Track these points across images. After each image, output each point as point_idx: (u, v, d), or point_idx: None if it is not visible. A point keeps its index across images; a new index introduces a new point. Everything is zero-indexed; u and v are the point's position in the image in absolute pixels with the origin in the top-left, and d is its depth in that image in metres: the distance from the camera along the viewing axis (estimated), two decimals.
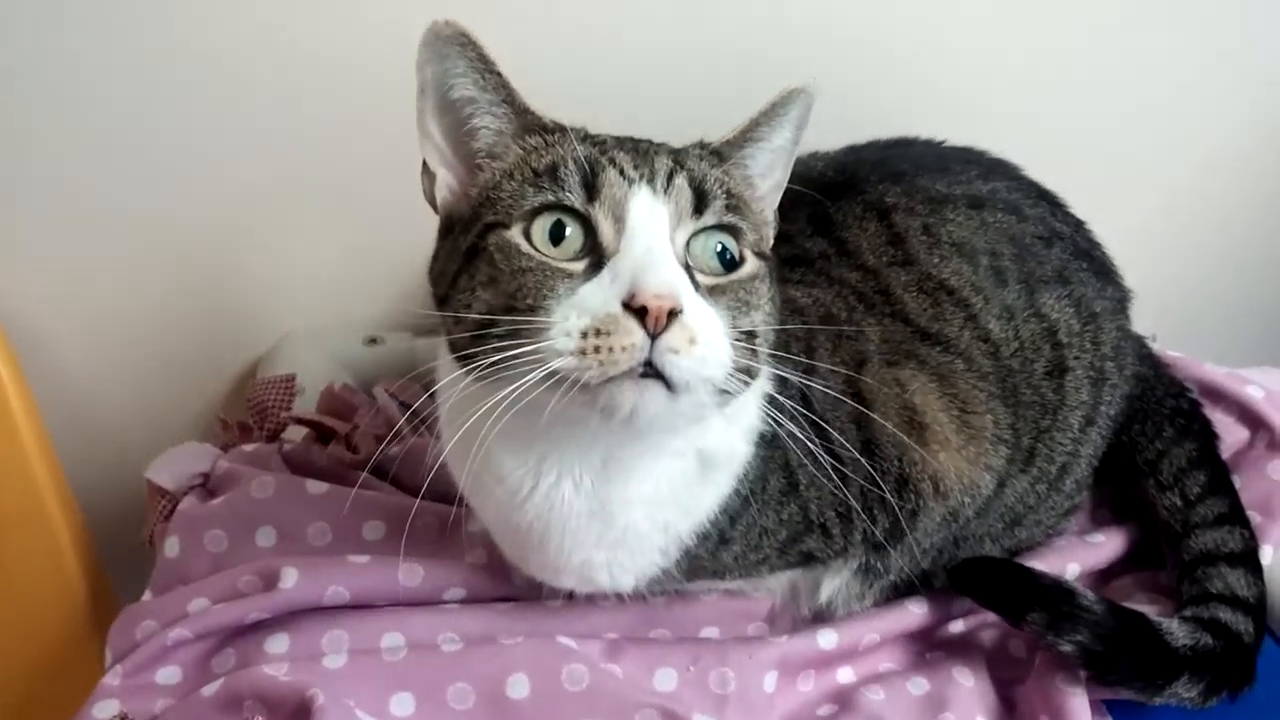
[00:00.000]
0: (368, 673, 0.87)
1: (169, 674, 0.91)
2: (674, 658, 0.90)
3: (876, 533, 0.89)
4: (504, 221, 0.73)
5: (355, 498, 1.01)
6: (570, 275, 0.70)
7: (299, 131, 1.24)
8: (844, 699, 0.91)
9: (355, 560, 0.95)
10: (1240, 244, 1.59)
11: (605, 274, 0.69)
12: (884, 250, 0.94)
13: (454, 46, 0.73)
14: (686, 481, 0.82)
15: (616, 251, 0.70)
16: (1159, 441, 1.06)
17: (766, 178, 0.84)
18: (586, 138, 0.78)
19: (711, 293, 0.72)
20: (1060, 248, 0.98)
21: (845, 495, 0.87)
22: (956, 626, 0.98)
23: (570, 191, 0.72)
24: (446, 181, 0.80)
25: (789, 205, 0.95)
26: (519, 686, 0.84)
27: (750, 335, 0.73)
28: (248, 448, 1.14)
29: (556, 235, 0.71)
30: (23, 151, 1.20)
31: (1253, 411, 1.12)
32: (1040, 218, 0.99)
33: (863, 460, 0.87)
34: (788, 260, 0.95)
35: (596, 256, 0.71)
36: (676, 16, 1.26)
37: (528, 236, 0.72)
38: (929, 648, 0.98)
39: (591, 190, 0.72)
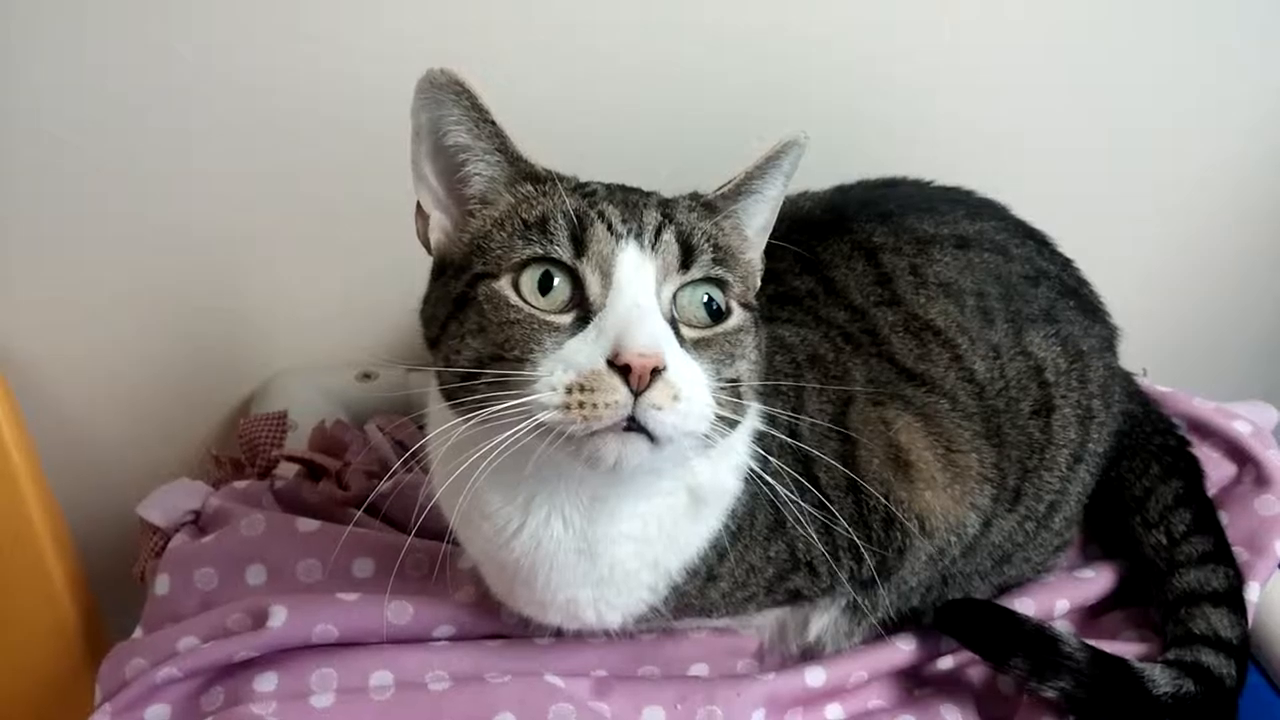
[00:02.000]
0: (355, 712, 0.87)
1: (158, 713, 0.90)
2: (662, 696, 0.90)
3: (863, 571, 0.90)
4: (493, 272, 0.74)
5: (345, 535, 1.01)
6: (557, 328, 0.71)
7: (293, 167, 1.25)
8: None
9: (344, 598, 0.95)
10: (1230, 277, 1.60)
11: (591, 329, 0.70)
12: (871, 290, 0.95)
13: (448, 94, 0.74)
14: (675, 518, 0.82)
15: (603, 307, 0.71)
16: (1145, 479, 1.06)
17: (753, 226, 0.85)
18: (577, 188, 0.79)
19: (696, 345, 0.73)
20: (1047, 286, 0.99)
21: (832, 533, 0.87)
22: (945, 663, 0.98)
23: (559, 245, 0.73)
24: (440, 224, 0.81)
25: (776, 245, 0.97)
26: None
27: (734, 383, 0.74)
28: (239, 485, 1.14)
29: (545, 286, 0.72)
30: (13, 188, 1.21)
31: (1240, 447, 1.12)
32: (1027, 257, 1.00)
33: (849, 498, 0.87)
34: (776, 298, 0.96)
35: (583, 310, 0.72)
36: (669, 73, 1.28)
37: (516, 288, 0.73)
38: (917, 685, 0.98)
39: (580, 245, 0.73)
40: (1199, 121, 1.44)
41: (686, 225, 0.76)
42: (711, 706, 0.89)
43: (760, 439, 0.83)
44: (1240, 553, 1.02)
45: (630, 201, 0.77)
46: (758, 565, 0.88)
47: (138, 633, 0.99)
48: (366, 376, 1.37)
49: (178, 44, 1.16)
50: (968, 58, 1.34)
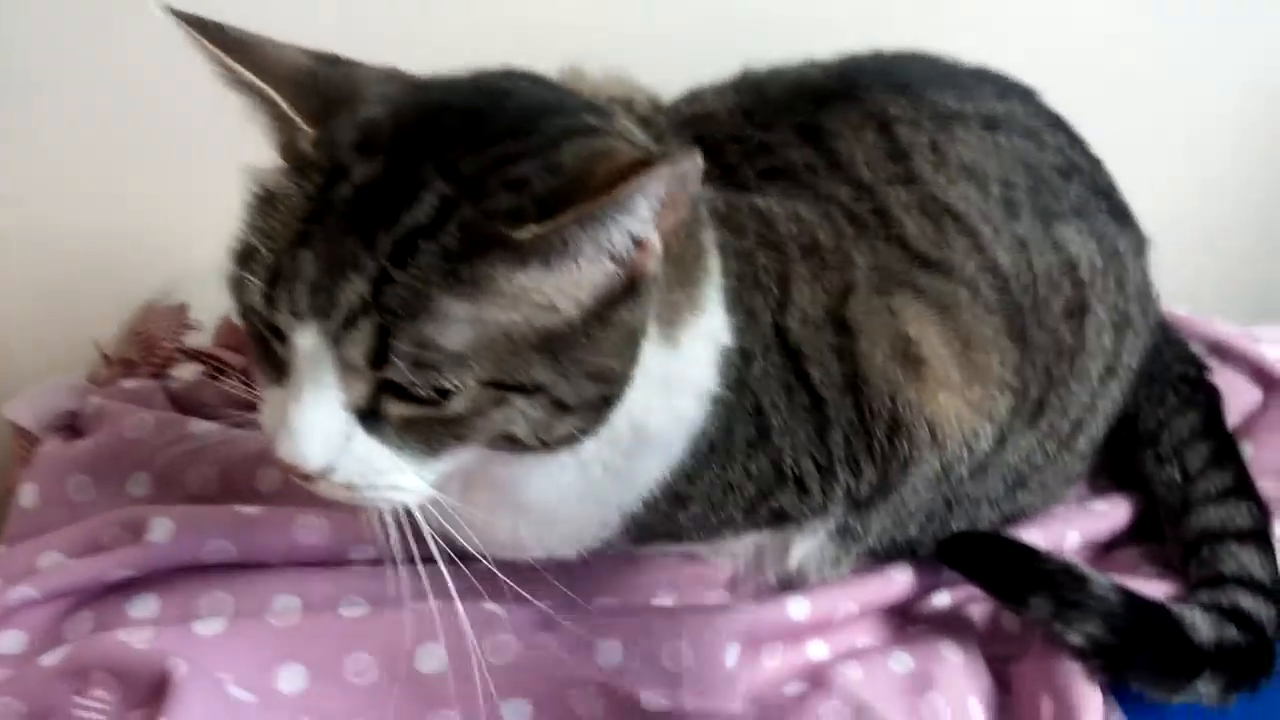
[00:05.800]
0: (250, 641, 0.74)
1: (12, 640, 0.77)
2: (620, 628, 0.77)
3: (861, 487, 0.77)
4: None
5: (248, 440, 0.86)
6: (272, 364, 0.60)
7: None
8: (816, 677, 0.79)
9: (244, 511, 0.81)
10: (1253, 193, 1.51)
11: (281, 391, 0.59)
12: (883, 165, 0.81)
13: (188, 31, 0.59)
14: (623, 455, 0.69)
15: (288, 376, 0.58)
16: (1160, 410, 0.97)
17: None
18: (324, 185, 0.57)
19: (407, 426, 0.59)
20: (1079, 182, 0.88)
21: (827, 443, 0.75)
22: (943, 599, 0.87)
23: (254, 292, 0.57)
24: None
25: (773, 114, 0.84)
26: (431, 658, 0.71)
27: (511, 440, 0.60)
28: (128, 384, 0.99)
29: None
30: None
31: (1267, 371, 1.04)
32: (1059, 148, 0.88)
33: (848, 399, 0.74)
34: (766, 173, 0.82)
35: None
36: None
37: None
38: (912, 621, 0.87)
39: (272, 303, 0.57)
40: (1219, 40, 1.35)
41: (393, 316, 0.54)
42: (677, 641, 0.77)
43: (735, 351, 0.71)
44: (1268, 486, 0.93)
45: (339, 258, 0.55)
46: (736, 483, 0.76)
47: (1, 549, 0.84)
48: None
49: None
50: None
